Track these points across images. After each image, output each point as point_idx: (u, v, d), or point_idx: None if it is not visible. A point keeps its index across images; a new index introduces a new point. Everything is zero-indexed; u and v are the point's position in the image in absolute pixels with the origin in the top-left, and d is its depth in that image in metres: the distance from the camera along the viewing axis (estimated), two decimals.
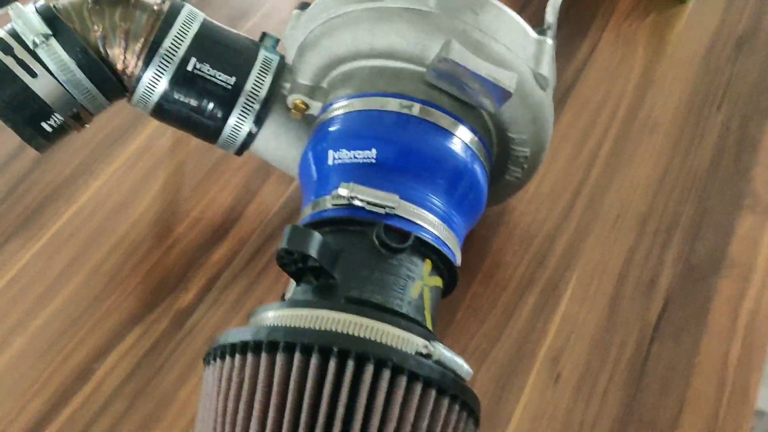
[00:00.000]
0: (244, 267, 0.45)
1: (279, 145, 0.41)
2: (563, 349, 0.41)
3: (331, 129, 0.37)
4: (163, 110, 0.39)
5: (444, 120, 0.36)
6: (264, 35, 0.40)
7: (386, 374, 0.27)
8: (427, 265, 0.34)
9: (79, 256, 0.44)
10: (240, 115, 0.39)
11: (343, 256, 0.32)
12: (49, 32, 0.35)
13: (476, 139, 0.37)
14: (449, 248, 0.35)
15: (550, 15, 0.42)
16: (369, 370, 0.27)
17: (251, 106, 0.39)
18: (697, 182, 0.48)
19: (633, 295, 0.43)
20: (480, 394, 0.39)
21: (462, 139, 0.36)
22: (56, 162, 0.49)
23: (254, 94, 0.39)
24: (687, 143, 0.51)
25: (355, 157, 0.35)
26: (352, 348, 0.27)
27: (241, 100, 0.39)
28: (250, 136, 0.40)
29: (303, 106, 0.40)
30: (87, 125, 0.39)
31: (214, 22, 0.39)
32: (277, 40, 0.41)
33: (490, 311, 0.42)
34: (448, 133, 0.36)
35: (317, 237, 0.31)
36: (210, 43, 0.38)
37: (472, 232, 0.45)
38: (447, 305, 0.42)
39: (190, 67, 0.37)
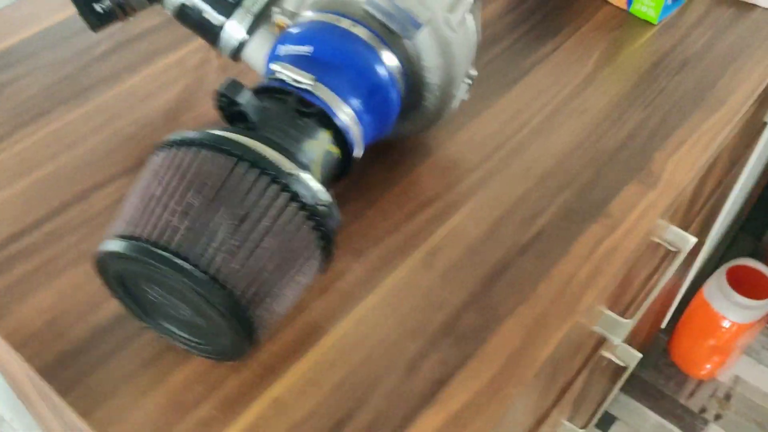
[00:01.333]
0: None
1: (262, 53, 0.54)
2: (442, 248, 0.51)
3: (288, 32, 0.48)
4: (182, 13, 0.52)
5: (373, 39, 0.47)
6: None
7: (264, 180, 0.37)
8: (327, 134, 0.44)
9: (106, 123, 0.58)
10: (235, 24, 0.51)
11: (265, 111, 0.42)
12: None
13: (395, 61, 0.48)
14: (351, 134, 0.45)
15: None
16: (254, 171, 0.37)
17: (245, 18, 0.51)
18: (603, 156, 0.57)
19: (515, 223, 0.52)
20: (361, 262, 0.49)
21: (382, 57, 0.47)
22: (109, 60, 0.63)
23: (249, 9, 0.51)
24: (607, 127, 0.60)
25: (297, 51, 0.46)
26: (246, 155, 0.37)
27: (239, 11, 0.51)
28: (241, 44, 0.52)
29: (283, 24, 0.52)
30: (131, 18, 0.53)
31: None
32: None
33: (394, 213, 0.52)
34: (373, 49, 0.47)
35: (247, 90, 0.41)
36: None
37: (399, 158, 0.56)
38: (362, 202, 0.53)
39: None
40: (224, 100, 0.41)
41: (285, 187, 0.38)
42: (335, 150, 0.45)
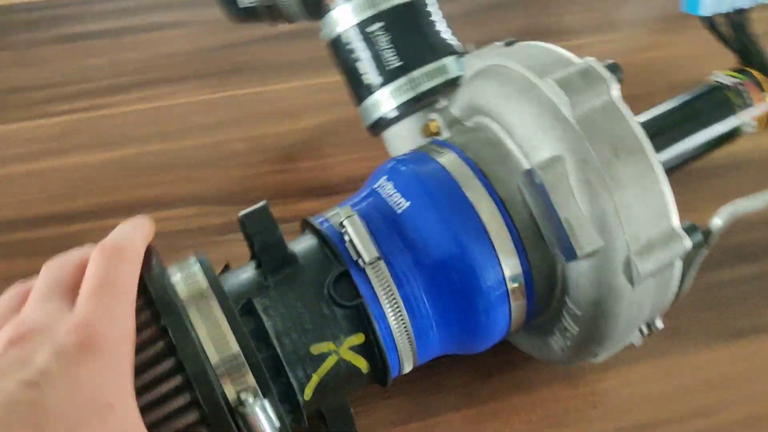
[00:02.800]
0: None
1: (402, 148, 0.39)
2: None
3: (407, 157, 0.34)
4: (335, 48, 0.40)
5: (501, 237, 0.31)
6: (469, 48, 0.39)
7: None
8: (355, 338, 0.30)
9: (221, 125, 0.49)
10: (388, 94, 0.38)
11: (293, 267, 0.31)
12: None
13: (521, 276, 0.31)
14: (395, 349, 0.31)
15: (720, 218, 0.33)
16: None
17: (402, 93, 0.38)
18: None
19: None
20: None
21: (503, 270, 0.31)
22: (281, 46, 0.53)
23: (411, 84, 0.38)
24: None
25: (389, 196, 0.32)
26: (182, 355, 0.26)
27: (398, 82, 0.38)
28: (384, 120, 0.39)
29: (435, 129, 0.37)
30: (278, 23, 0.43)
31: (432, 6, 0.39)
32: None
33: None
34: (494, 254, 0.31)
35: (274, 231, 0.30)
36: (407, 20, 0.38)
37: (507, 366, 0.40)
38: (411, 404, 0.38)
39: (370, 29, 0.38)
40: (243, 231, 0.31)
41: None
42: (360, 362, 0.31)
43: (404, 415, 0.37)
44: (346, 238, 0.30)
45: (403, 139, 0.39)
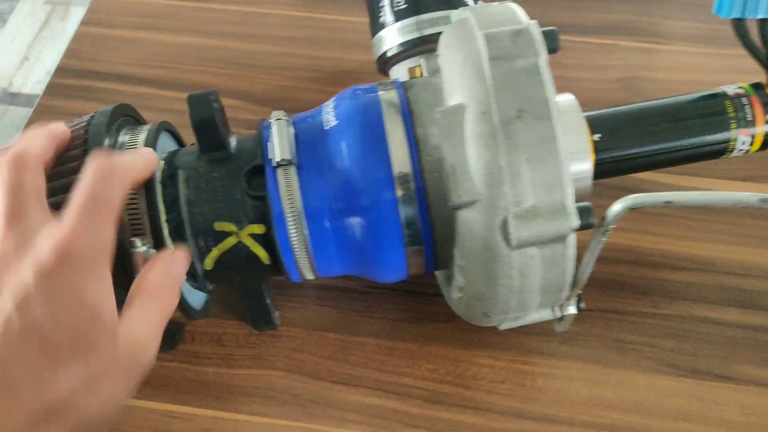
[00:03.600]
0: None
1: None
2: None
3: (359, 91, 0.36)
4: None
5: (402, 173, 0.33)
6: None
7: None
8: (257, 228, 0.33)
9: (291, 40, 0.55)
10: (396, 31, 0.40)
11: (225, 151, 0.34)
12: None
13: (416, 215, 0.33)
14: (290, 247, 0.33)
15: (617, 205, 0.31)
16: None
17: (407, 32, 0.40)
18: None
19: None
20: None
21: (397, 190, 0.33)
22: None
23: (417, 27, 0.40)
24: None
25: (326, 114, 0.35)
26: None
27: (405, 22, 0.40)
28: (385, 56, 0.41)
29: (418, 74, 0.40)
30: None
31: None
32: None
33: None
34: (391, 186, 0.32)
35: (212, 117, 0.33)
36: None
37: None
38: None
39: None
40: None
41: None
42: (259, 251, 0.34)
43: (327, 323, 0.40)
44: (272, 142, 0.33)
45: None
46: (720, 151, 0.36)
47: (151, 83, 0.52)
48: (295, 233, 0.33)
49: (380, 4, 0.40)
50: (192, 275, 0.34)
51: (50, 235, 0.27)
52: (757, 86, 0.36)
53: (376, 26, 0.41)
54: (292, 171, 0.33)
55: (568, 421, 0.37)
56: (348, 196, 0.32)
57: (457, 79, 0.31)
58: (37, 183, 0.29)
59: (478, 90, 0.30)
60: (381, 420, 0.37)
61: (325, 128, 0.34)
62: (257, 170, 0.33)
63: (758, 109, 0.36)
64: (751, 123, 0.36)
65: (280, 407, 0.38)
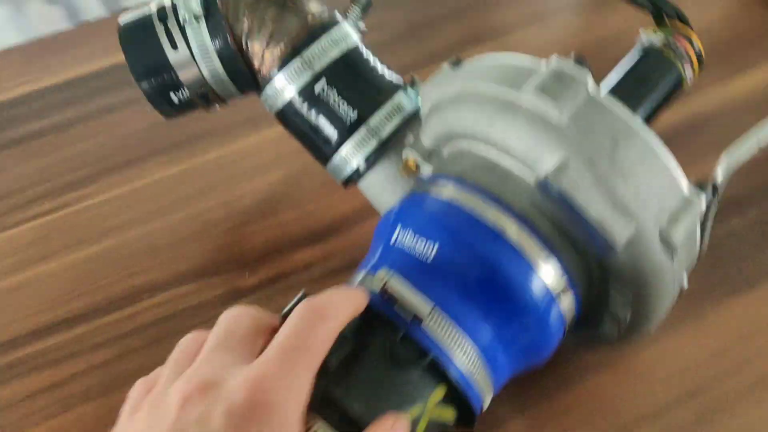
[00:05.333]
0: (317, 279, 0.44)
1: (383, 193, 0.40)
2: None
3: (414, 203, 0.34)
4: (284, 117, 0.39)
5: (532, 248, 0.31)
6: (413, 80, 0.39)
7: None
8: (437, 393, 0.30)
9: (194, 196, 0.48)
10: (353, 148, 0.38)
11: (349, 345, 0.29)
12: (201, 14, 0.36)
13: (565, 280, 0.32)
14: (474, 387, 0.31)
15: (722, 169, 0.34)
16: None
17: (365, 143, 0.37)
18: None
19: None
20: None
21: (544, 277, 0.31)
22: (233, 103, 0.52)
23: (374, 132, 0.37)
24: None
25: (413, 246, 0.32)
26: None
27: (359, 134, 0.37)
28: (357, 174, 0.39)
29: (414, 167, 0.37)
30: (217, 108, 0.41)
31: (364, 50, 0.38)
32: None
33: None
34: (529, 266, 0.31)
35: None
36: (347, 70, 0.37)
37: (548, 370, 0.38)
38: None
39: (317, 89, 0.37)
40: None
41: None
42: (447, 414, 0.30)
43: None
44: (396, 299, 0.30)
45: (381, 184, 0.39)
46: (677, 88, 0.40)
47: (75, 321, 0.42)
48: (473, 368, 0.30)
49: (320, 130, 0.37)
50: None
51: (243, 377, 0.24)
52: (662, 26, 0.41)
53: (326, 151, 0.38)
54: (440, 315, 0.29)
55: (708, 383, 0.39)
56: (510, 318, 0.30)
57: (535, 143, 0.30)
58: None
59: (570, 140, 0.30)
60: None
61: (430, 260, 0.31)
62: (404, 340, 0.29)
63: (681, 41, 0.40)
64: (686, 56, 0.40)
65: None
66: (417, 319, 0.29)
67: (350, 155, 0.37)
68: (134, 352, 0.41)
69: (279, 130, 0.49)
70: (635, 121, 0.31)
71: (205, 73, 0.37)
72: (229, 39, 0.36)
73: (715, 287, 0.42)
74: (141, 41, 0.37)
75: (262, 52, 0.37)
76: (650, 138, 0.31)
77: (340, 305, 0.27)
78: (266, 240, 0.45)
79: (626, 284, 0.32)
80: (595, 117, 0.31)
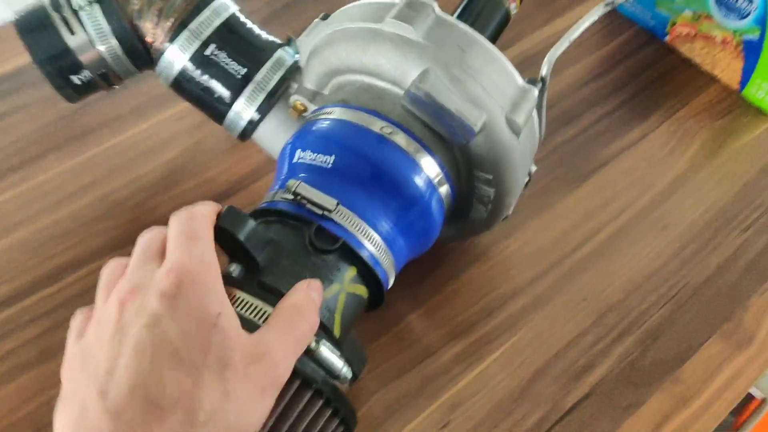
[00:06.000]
0: None
1: (276, 138, 0.45)
2: (464, 402, 0.41)
3: (307, 130, 0.40)
4: (179, 86, 0.44)
5: (410, 146, 0.38)
6: (289, 38, 0.44)
7: None
8: (350, 272, 0.36)
9: (97, 181, 0.51)
10: (245, 102, 0.43)
11: (274, 245, 0.34)
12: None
13: (439, 170, 0.39)
14: (381, 266, 0.37)
15: (544, 68, 0.42)
16: None
17: (256, 96, 0.43)
18: (682, 293, 0.45)
19: (558, 377, 0.42)
20: (368, 415, 0.39)
21: (423, 168, 0.38)
22: (117, 98, 0.55)
23: (261, 85, 0.43)
24: (692, 252, 0.48)
25: (314, 160, 0.38)
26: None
27: (248, 89, 0.42)
28: (251, 124, 0.44)
29: (301, 107, 0.43)
30: (116, 86, 0.45)
31: (244, 18, 0.44)
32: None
33: (413, 343, 0.43)
34: (411, 160, 0.38)
35: (250, 223, 0.33)
36: (232, 34, 0.43)
37: (436, 264, 0.46)
38: (377, 323, 0.43)
39: (208, 52, 0.42)
40: (222, 235, 0.33)
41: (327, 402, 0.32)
42: (361, 290, 0.36)
43: (372, 333, 0.43)
44: (305, 200, 0.35)
45: (275, 130, 0.44)
46: (505, 18, 0.48)
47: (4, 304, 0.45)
48: (378, 251, 0.36)
49: (213, 90, 0.42)
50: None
51: (163, 269, 0.29)
52: None
53: (220, 109, 0.42)
54: (344, 209, 0.35)
55: (567, 253, 0.47)
56: (404, 207, 0.37)
57: (400, 60, 0.37)
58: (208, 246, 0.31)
59: (427, 52, 0.37)
60: None
61: (329, 167, 0.37)
62: (315, 234, 0.35)
63: None
64: None
65: None
66: (326, 214, 0.35)
67: (243, 109, 0.43)
68: (65, 322, 0.43)
69: (168, 113, 0.54)
70: (476, 33, 0.39)
71: (104, 53, 0.41)
72: (122, 19, 0.41)
73: (559, 183, 0.51)
74: (39, 30, 0.41)
75: (153, 28, 0.41)
76: (489, 45, 0.39)
77: (202, 207, 0.32)
78: (173, 207, 0.48)
79: (485, 165, 0.39)
80: (444, 32, 0.39)
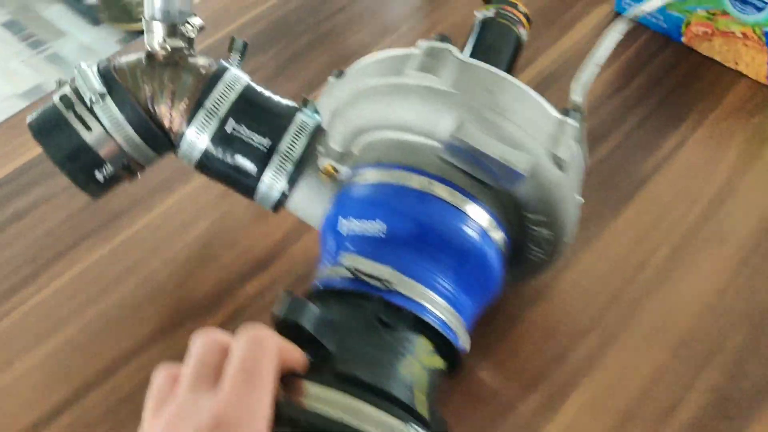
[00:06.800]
0: (272, 302, 0.45)
1: (311, 206, 0.43)
2: None
3: (347, 197, 0.38)
4: (204, 166, 0.42)
5: (455, 197, 0.36)
6: (305, 100, 0.42)
7: None
8: (425, 345, 0.34)
9: (134, 265, 0.49)
10: (273, 174, 0.41)
11: (341, 328, 0.32)
12: (105, 91, 0.38)
13: (490, 218, 0.37)
14: (451, 330, 0.35)
15: (577, 94, 0.40)
16: None
17: (284, 167, 0.41)
18: (757, 309, 0.42)
19: (647, 419, 0.39)
20: None
21: (474, 218, 0.36)
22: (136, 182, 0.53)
23: (287, 155, 0.40)
24: (757, 264, 0.45)
25: (364, 228, 0.36)
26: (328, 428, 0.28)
27: (275, 160, 0.40)
28: (284, 196, 0.42)
29: (332, 171, 0.41)
30: (139, 175, 0.43)
31: (256, 86, 0.42)
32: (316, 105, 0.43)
33: (489, 400, 0.41)
34: (459, 212, 0.36)
35: (313, 309, 0.31)
36: (249, 106, 0.41)
37: (495, 314, 0.43)
38: (446, 382, 0.40)
39: (228, 128, 0.40)
40: (284, 325, 0.31)
41: None
42: (437, 361, 0.34)
43: (442, 393, 0.38)
44: (363, 275, 0.33)
45: (307, 197, 0.41)
46: (518, 46, 0.46)
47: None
48: (447, 316, 0.34)
49: (240, 166, 0.39)
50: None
51: (209, 413, 0.27)
52: (490, 2, 0.47)
53: (249, 183, 0.40)
54: (405, 278, 0.33)
55: (626, 283, 0.44)
56: (460, 261, 0.35)
57: (430, 112, 0.35)
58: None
59: (456, 101, 0.35)
60: None
61: (383, 236, 0.34)
62: (387, 306, 0.33)
63: (508, 8, 0.47)
64: (516, 18, 0.47)
65: None
66: (388, 286, 0.33)
67: (273, 181, 0.40)
68: (128, 419, 0.41)
69: (192, 185, 0.52)
70: (500, 72, 0.37)
71: (123, 144, 0.40)
72: (136, 107, 0.39)
73: (603, 207, 0.49)
74: (55, 131, 0.39)
75: (169, 112, 0.40)
76: (517, 82, 0.37)
77: (281, 342, 0.29)
78: (215, 283, 0.47)
79: (537, 206, 0.37)
80: (468, 76, 0.37)
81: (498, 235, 0.37)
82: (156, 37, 0.39)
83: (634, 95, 0.56)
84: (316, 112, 0.42)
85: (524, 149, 0.35)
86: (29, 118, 0.40)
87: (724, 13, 0.55)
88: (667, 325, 0.42)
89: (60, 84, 0.41)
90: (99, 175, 0.40)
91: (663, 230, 0.47)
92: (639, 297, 0.44)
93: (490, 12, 0.47)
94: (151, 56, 0.40)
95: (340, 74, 0.42)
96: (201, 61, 0.41)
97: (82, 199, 0.51)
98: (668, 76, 0.57)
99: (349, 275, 0.34)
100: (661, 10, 0.59)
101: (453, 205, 0.35)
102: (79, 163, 0.40)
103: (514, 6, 0.47)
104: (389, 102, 0.37)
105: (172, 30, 0.39)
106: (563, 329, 0.43)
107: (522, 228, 0.38)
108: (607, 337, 0.42)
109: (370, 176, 0.37)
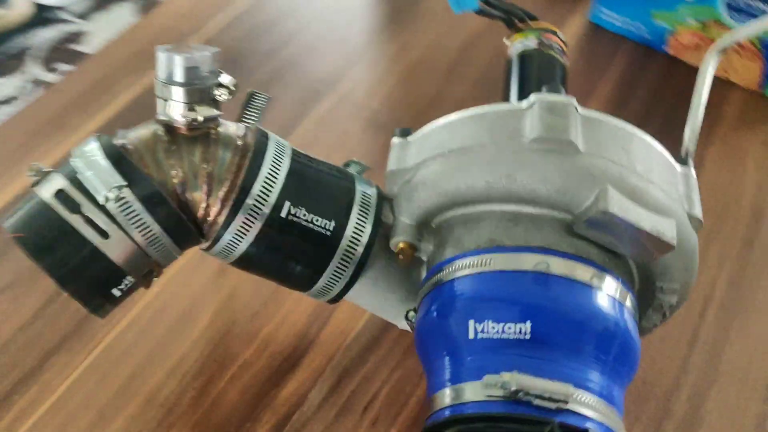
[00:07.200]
0: (318, 408, 0.39)
1: (377, 292, 0.36)
2: None
3: (464, 293, 0.30)
4: (250, 260, 0.33)
5: (602, 280, 0.30)
6: (348, 162, 0.35)
7: None
8: None
9: (132, 380, 0.39)
10: (339, 264, 0.33)
11: None
12: (124, 183, 0.28)
13: (621, 286, 0.31)
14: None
15: (690, 140, 0.36)
16: None
17: (352, 254, 0.33)
18: None
19: None
20: None
21: (608, 292, 0.30)
22: None
23: (356, 239, 0.33)
24: None
25: (504, 332, 0.28)
26: None
27: (342, 245, 0.32)
28: (348, 286, 0.34)
29: (411, 250, 0.33)
30: (152, 283, 0.32)
31: (300, 151, 0.34)
32: (364, 166, 0.36)
33: None
34: (595, 290, 0.29)
35: None
36: (303, 183, 0.32)
37: None
38: None
39: (284, 213, 0.31)
40: None
41: None
42: None
43: None
44: (531, 396, 0.26)
45: (373, 284, 0.34)
46: (565, 76, 0.41)
47: None
48: (608, 419, 0.28)
49: (297, 258, 0.31)
50: None
51: None
52: (517, 30, 0.42)
53: (306, 276, 0.32)
54: (576, 390, 0.27)
55: None
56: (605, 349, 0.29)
57: (565, 181, 0.29)
58: None
59: (595, 166, 0.29)
60: None
61: (528, 337, 0.28)
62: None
63: (548, 36, 0.42)
64: (558, 46, 0.42)
65: None
66: (562, 405, 0.26)
67: (338, 271, 0.32)
68: None
69: (177, 264, 0.41)
70: (625, 123, 0.32)
71: (146, 247, 0.30)
72: (165, 198, 0.29)
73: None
74: (60, 244, 0.28)
75: (205, 200, 0.30)
76: (640, 133, 0.32)
77: None
78: (240, 393, 0.38)
79: (672, 274, 0.32)
80: (596, 133, 0.31)
81: (628, 301, 0.31)
82: (177, 106, 0.30)
83: (631, 116, 0.53)
84: (364, 170, 0.35)
85: (667, 214, 0.30)
86: (8, 224, 0.29)
87: (717, 22, 0.53)
88: (752, 366, 0.39)
89: (39, 173, 0.30)
90: (117, 291, 0.30)
91: (712, 258, 0.44)
92: (712, 339, 0.40)
93: (530, 41, 0.41)
94: (171, 129, 0.30)
95: (404, 133, 0.35)
96: (232, 128, 0.32)
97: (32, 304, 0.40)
98: (664, 91, 0.54)
99: (500, 396, 0.27)
100: (646, 19, 0.57)
101: (590, 285, 0.29)
102: (92, 280, 0.29)
103: (553, 32, 0.42)
104: (511, 172, 0.30)
105: (199, 94, 0.30)
106: (650, 388, 0.38)
107: (645, 295, 0.33)
108: (696, 391, 0.38)
109: (496, 262, 0.30)
